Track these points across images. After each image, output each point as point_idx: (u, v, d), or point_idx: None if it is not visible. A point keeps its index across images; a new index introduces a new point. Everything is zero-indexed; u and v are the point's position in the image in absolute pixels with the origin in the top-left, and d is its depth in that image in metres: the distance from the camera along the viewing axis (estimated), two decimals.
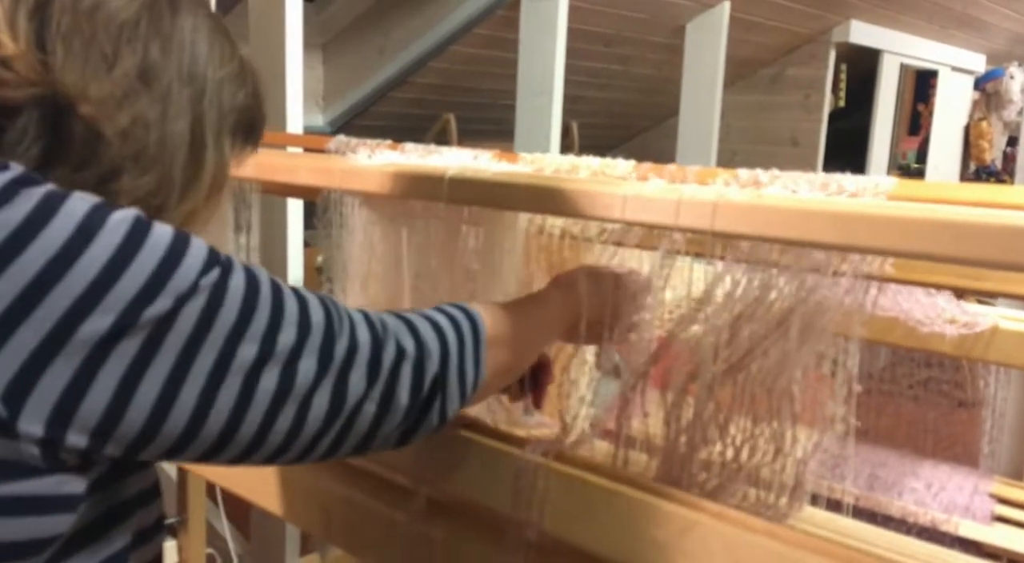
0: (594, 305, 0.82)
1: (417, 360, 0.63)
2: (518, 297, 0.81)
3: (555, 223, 0.92)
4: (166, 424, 0.51)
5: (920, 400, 1.21)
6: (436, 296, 0.96)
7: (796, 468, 0.70)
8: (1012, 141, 5.77)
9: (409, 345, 0.63)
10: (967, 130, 5.56)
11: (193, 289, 0.51)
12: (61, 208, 0.50)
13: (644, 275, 0.86)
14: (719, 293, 0.74)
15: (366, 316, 0.63)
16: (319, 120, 3.21)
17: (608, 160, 0.89)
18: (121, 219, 0.51)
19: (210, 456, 0.55)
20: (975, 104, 5.57)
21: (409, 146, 1.03)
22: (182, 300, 0.51)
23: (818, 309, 0.68)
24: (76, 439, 0.49)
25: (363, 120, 3.23)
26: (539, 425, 0.98)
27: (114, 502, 0.56)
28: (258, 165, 1.03)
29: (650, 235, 0.77)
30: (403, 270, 0.98)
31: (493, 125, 3.50)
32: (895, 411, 1.22)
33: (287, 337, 0.55)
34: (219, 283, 0.53)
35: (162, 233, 0.52)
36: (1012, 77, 5.39)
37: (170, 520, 1.63)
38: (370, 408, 0.60)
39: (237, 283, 0.54)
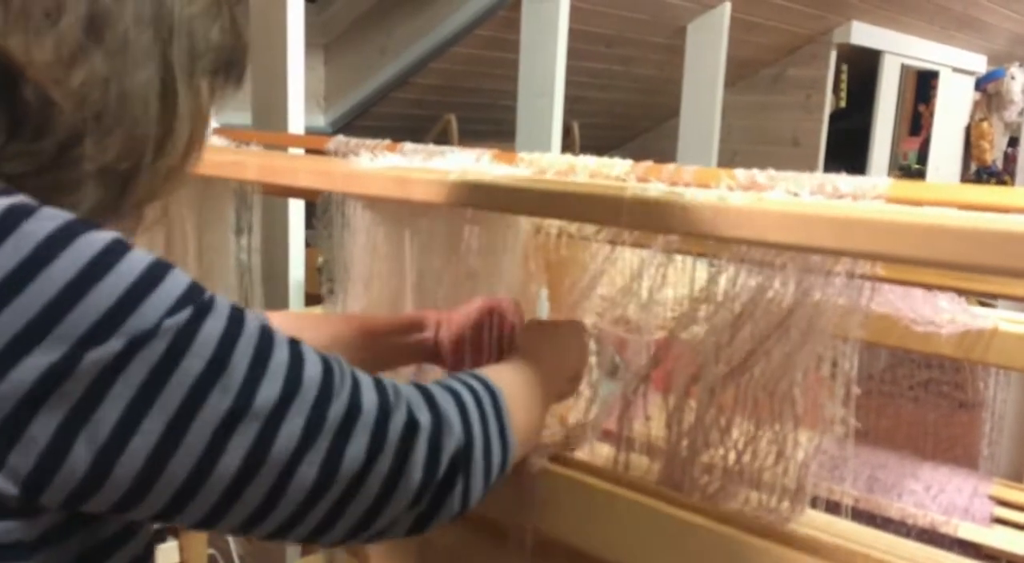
0: (578, 356, 0.81)
1: (433, 433, 0.55)
2: (508, 359, 0.73)
3: (553, 222, 0.93)
4: (108, 480, 0.45)
5: (920, 401, 1.21)
6: (438, 295, 0.96)
7: (798, 471, 0.70)
8: (1013, 142, 5.77)
9: (424, 416, 0.55)
10: (968, 131, 5.56)
11: (153, 331, 0.45)
12: (19, 228, 0.45)
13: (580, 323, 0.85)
14: (719, 292, 0.74)
15: (377, 380, 0.55)
16: (320, 120, 3.21)
17: (606, 160, 0.89)
18: (89, 242, 0.46)
19: (166, 517, 0.48)
20: (976, 105, 5.57)
21: (409, 147, 1.03)
22: (137, 343, 0.44)
23: (818, 309, 0.69)
24: (5, 485, 0.43)
25: (364, 120, 3.23)
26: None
27: (87, 546, 0.49)
28: (259, 167, 1.03)
29: (647, 234, 0.78)
30: (406, 270, 0.99)
31: (494, 126, 3.50)
32: (895, 412, 1.22)
33: (268, 392, 0.48)
34: (187, 326, 0.46)
35: (134, 262, 0.46)
36: (1013, 78, 5.38)
37: None
38: (372, 485, 0.52)
39: (212, 327, 0.47)
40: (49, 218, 0.46)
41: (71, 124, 0.50)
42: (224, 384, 0.47)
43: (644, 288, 0.83)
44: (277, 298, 2.04)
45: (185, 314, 0.47)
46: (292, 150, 1.45)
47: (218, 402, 0.47)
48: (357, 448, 0.51)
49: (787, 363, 0.69)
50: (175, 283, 0.48)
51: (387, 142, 1.06)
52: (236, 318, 0.49)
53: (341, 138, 1.11)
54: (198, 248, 1.25)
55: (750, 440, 0.71)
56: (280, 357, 0.50)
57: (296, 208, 2.05)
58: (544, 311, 1.05)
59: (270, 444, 0.48)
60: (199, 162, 0.59)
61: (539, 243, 0.94)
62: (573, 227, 0.90)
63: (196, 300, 0.48)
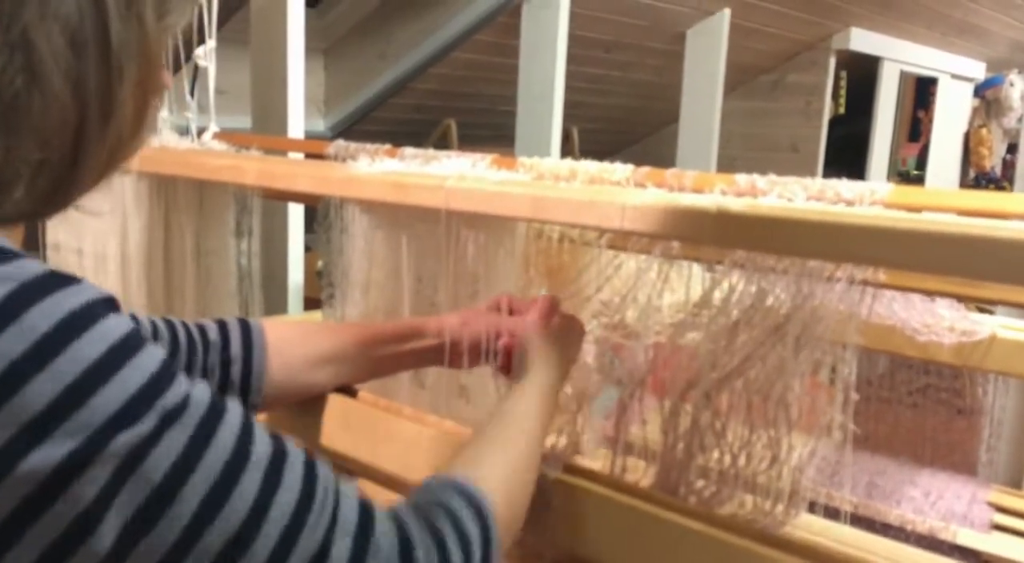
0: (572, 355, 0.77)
1: None
2: (504, 403, 0.67)
3: (554, 227, 0.93)
4: None
5: (919, 407, 1.21)
6: (436, 300, 0.96)
7: (792, 475, 0.70)
8: (1012, 148, 5.78)
9: None
10: (967, 137, 5.57)
11: (97, 448, 0.38)
12: None
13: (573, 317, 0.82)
14: (716, 298, 0.74)
15: (362, 521, 0.47)
16: (320, 125, 3.21)
17: (606, 165, 0.89)
18: (36, 321, 0.39)
19: None
20: (975, 111, 5.59)
21: (409, 151, 1.03)
22: (78, 460, 0.38)
23: (815, 315, 0.69)
24: None
25: (364, 125, 3.24)
26: None
27: None
28: (258, 172, 1.03)
29: (647, 239, 0.78)
30: (403, 274, 0.99)
31: (494, 131, 3.51)
32: (894, 418, 1.22)
33: (223, 529, 0.42)
34: (143, 443, 0.40)
35: (99, 336, 0.40)
36: (1012, 84, 5.40)
37: None
38: None
39: (173, 442, 0.41)
40: (4, 280, 0.39)
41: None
42: (172, 515, 0.41)
43: (643, 293, 0.83)
44: (276, 302, 2.04)
45: (143, 429, 0.40)
46: (292, 154, 1.45)
47: (163, 534, 0.41)
48: None
49: (782, 368, 0.69)
50: (143, 371, 0.41)
51: (387, 147, 1.06)
52: (208, 425, 0.43)
53: (341, 142, 1.11)
54: (197, 252, 1.25)
55: (745, 444, 0.71)
56: (248, 483, 0.43)
57: (296, 212, 2.06)
58: None
59: None
60: (156, 120, 0.50)
61: (540, 248, 0.94)
62: (574, 232, 0.90)
63: (160, 402, 0.41)
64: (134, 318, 0.62)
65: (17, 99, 0.42)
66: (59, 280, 0.41)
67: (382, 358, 0.83)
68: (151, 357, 0.42)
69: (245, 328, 0.77)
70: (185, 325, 0.73)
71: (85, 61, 0.43)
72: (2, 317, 0.38)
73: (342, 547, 0.45)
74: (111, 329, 0.41)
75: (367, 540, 0.47)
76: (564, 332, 0.77)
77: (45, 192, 0.45)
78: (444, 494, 0.55)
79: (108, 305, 0.42)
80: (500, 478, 0.58)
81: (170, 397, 0.42)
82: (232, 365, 0.73)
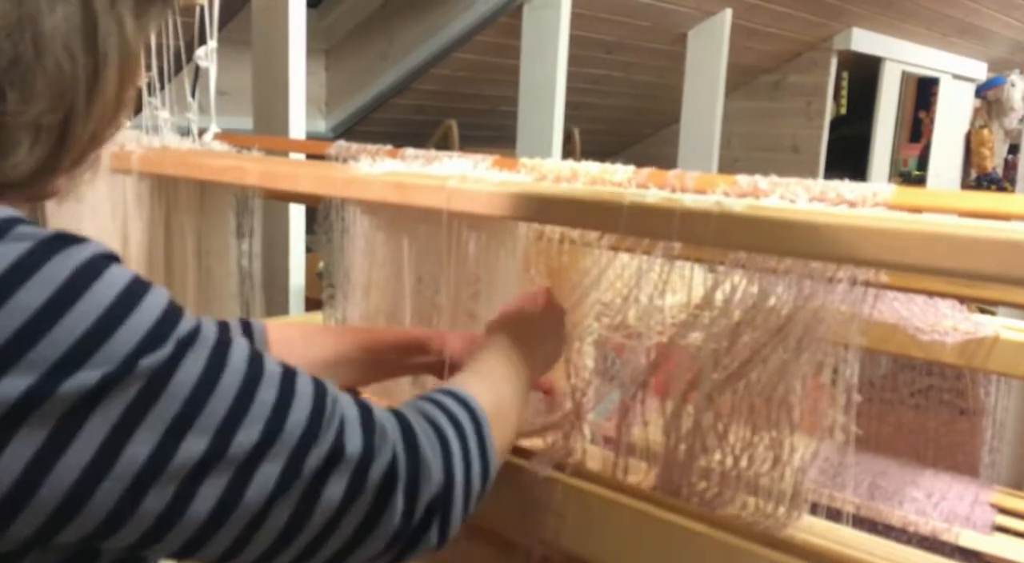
0: (551, 328, 0.79)
1: (410, 481, 0.54)
2: (474, 359, 0.71)
3: (555, 228, 0.92)
4: (76, 519, 0.44)
5: (921, 408, 1.21)
6: (438, 300, 0.96)
7: (794, 477, 0.70)
8: (1013, 149, 5.78)
9: (403, 468, 0.53)
10: (968, 137, 5.57)
11: (127, 369, 0.43)
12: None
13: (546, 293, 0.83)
14: (718, 299, 0.74)
15: (364, 415, 0.54)
16: (321, 126, 3.21)
17: (607, 166, 0.89)
18: (61, 263, 0.44)
19: (136, 550, 0.47)
20: (976, 111, 5.58)
21: (410, 152, 1.03)
22: (111, 380, 0.43)
23: (817, 316, 0.68)
24: None
25: (365, 126, 3.24)
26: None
27: None
28: (260, 173, 1.03)
29: (649, 240, 0.77)
30: (404, 275, 0.98)
31: (495, 132, 3.51)
32: (896, 419, 1.22)
33: (247, 436, 0.47)
34: (165, 365, 0.45)
35: (110, 282, 0.45)
36: (1013, 85, 5.39)
37: None
38: (346, 528, 0.51)
39: (192, 365, 0.46)
40: (22, 238, 0.44)
41: None
42: (199, 428, 0.45)
43: (645, 294, 0.83)
44: (277, 303, 2.04)
45: (164, 352, 0.45)
46: (293, 155, 1.45)
47: (192, 446, 0.45)
48: (334, 493, 0.50)
49: (784, 370, 0.68)
50: (153, 309, 0.46)
51: (388, 148, 1.06)
52: (220, 352, 0.48)
53: (342, 143, 1.11)
54: (198, 253, 1.25)
55: (747, 446, 0.71)
56: (265, 396, 0.48)
57: (297, 213, 2.06)
58: None
59: (242, 491, 0.47)
60: (132, 106, 0.55)
61: (541, 248, 0.94)
62: (575, 233, 0.90)
63: (177, 332, 0.46)
64: None
65: (27, 70, 0.47)
66: (69, 238, 0.45)
67: (382, 366, 0.84)
68: (159, 296, 0.47)
69: (247, 328, 0.78)
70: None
71: (77, 42, 0.48)
72: (23, 270, 0.43)
73: (354, 439, 0.51)
74: (119, 276, 0.45)
75: (372, 428, 0.53)
76: (540, 320, 0.79)
77: (41, 159, 0.49)
78: (433, 394, 0.62)
79: (112, 258, 0.47)
80: (478, 391, 0.63)
81: (183, 327, 0.46)
82: None
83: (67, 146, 0.50)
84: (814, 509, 0.83)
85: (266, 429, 0.48)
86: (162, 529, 0.46)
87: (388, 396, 0.91)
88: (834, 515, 0.96)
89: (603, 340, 0.90)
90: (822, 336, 0.68)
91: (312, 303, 2.09)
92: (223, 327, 0.75)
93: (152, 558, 0.52)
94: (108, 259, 0.46)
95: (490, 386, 0.66)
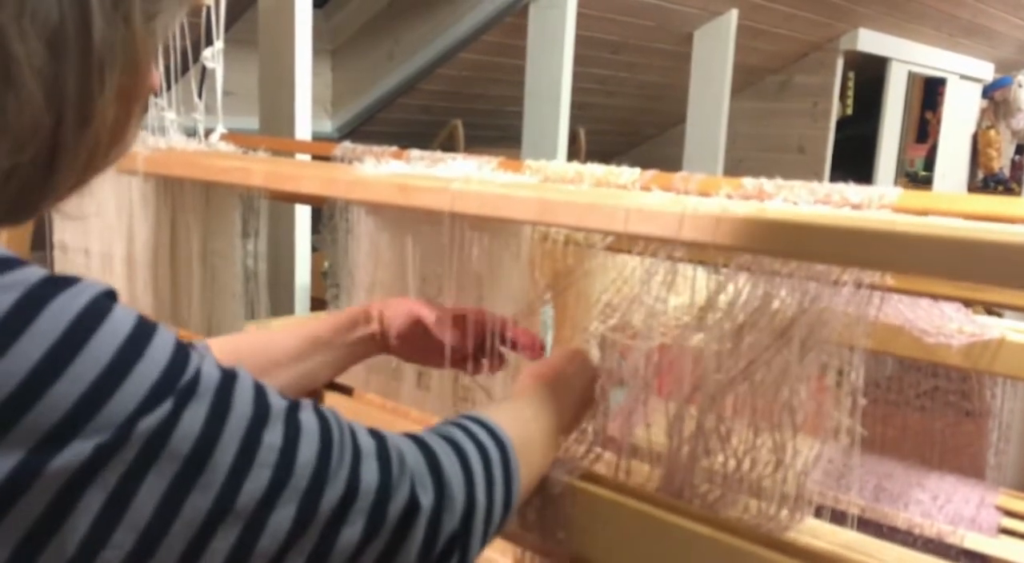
0: (580, 388, 0.77)
1: (434, 516, 0.50)
2: (506, 398, 0.70)
3: (559, 230, 0.92)
4: None
5: (927, 410, 1.20)
6: (441, 301, 0.96)
7: (798, 479, 0.69)
8: (1020, 149, 5.76)
9: (427, 496, 0.50)
10: (975, 138, 5.55)
11: (124, 435, 0.39)
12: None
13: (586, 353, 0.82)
14: (722, 301, 0.74)
15: (380, 445, 0.49)
16: (327, 126, 3.22)
17: (612, 168, 0.89)
18: (55, 314, 0.39)
19: None
20: (983, 112, 5.56)
21: (415, 153, 1.03)
22: (106, 450, 0.39)
23: (821, 319, 0.68)
24: None
25: (371, 126, 3.24)
26: None
27: None
28: (265, 174, 1.04)
29: (653, 242, 0.77)
30: (408, 276, 0.99)
31: (500, 132, 3.51)
32: (901, 421, 1.22)
33: (256, 484, 0.43)
34: (164, 424, 0.40)
35: (106, 338, 0.40)
36: (1020, 85, 5.38)
37: None
38: None
39: (193, 419, 0.41)
40: (6, 288, 0.38)
41: None
42: (204, 483, 0.41)
43: (650, 296, 0.83)
44: (283, 303, 2.04)
45: (164, 409, 0.41)
46: (299, 156, 1.45)
47: (197, 504, 0.41)
48: (351, 533, 0.46)
49: (788, 372, 0.68)
50: (159, 360, 0.41)
51: (393, 149, 1.06)
52: (224, 396, 0.43)
53: (348, 144, 1.11)
54: (203, 253, 1.25)
55: (750, 448, 0.71)
56: (272, 440, 0.44)
57: (302, 213, 2.06)
58: (549, 318, 1.05)
59: (254, 542, 0.43)
60: (140, 126, 0.48)
61: (545, 250, 0.94)
62: (580, 234, 0.90)
63: (177, 385, 0.41)
64: None
65: None
66: (60, 282, 0.40)
67: (334, 350, 0.82)
68: (164, 343, 0.42)
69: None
70: None
71: (64, 64, 0.41)
72: (14, 325, 0.38)
73: (370, 471, 0.47)
74: (120, 323, 0.41)
75: (390, 459, 0.49)
76: (574, 373, 0.77)
77: (17, 197, 0.43)
78: (456, 419, 0.58)
79: (110, 298, 0.42)
80: (506, 423, 0.60)
81: (187, 375, 0.42)
82: None
83: (52, 182, 0.44)
84: (819, 511, 0.83)
85: (275, 474, 0.44)
86: None
87: (390, 397, 0.91)
88: (839, 517, 0.96)
89: (608, 342, 0.90)
90: (826, 339, 0.68)
91: (317, 303, 2.09)
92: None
93: None
94: (109, 299, 0.42)
95: (519, 421, 0.63)
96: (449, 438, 0.55)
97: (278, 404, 0.46)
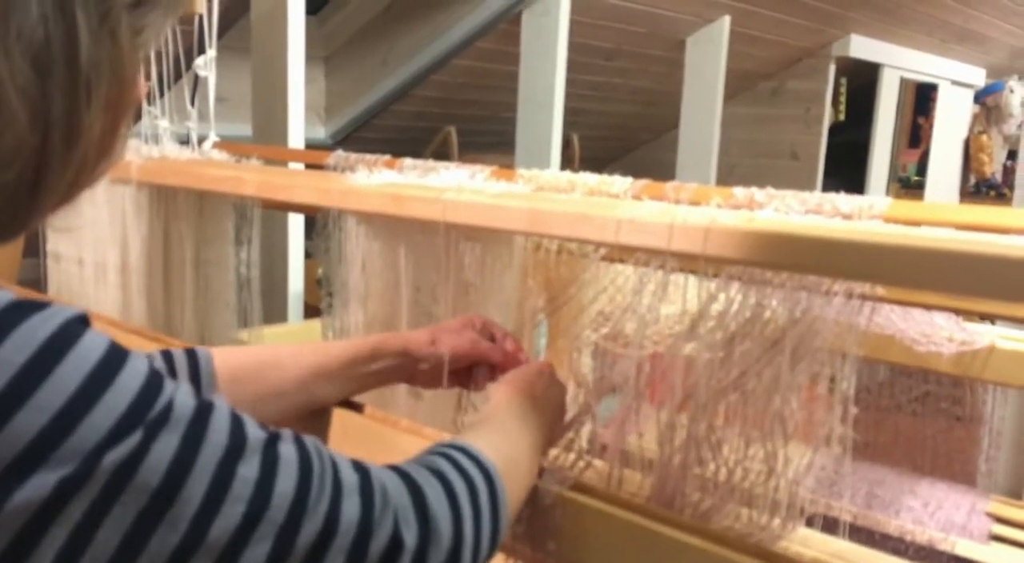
0: (554, 401, 0.75)
1: (418, 553, 0.48)
2: (486, 416, 0.68)
3: (552, 238, 0.93)
4: None
5: (918, 416, 1.21)
6: (435, 310, 0.97)
7: (789, 488, 0.70)
8: (1012, 154, 5.78)
9: (411, 533, 0.48)
10: (967, 143, 5.57)
11: (88, 470, 0.38)
12: None
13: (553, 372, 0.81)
14: (714, 310, 0.74)
15: (363, 479, 0.47)
16: (321, 132, 3.22)
17: (605, 177, 0.89)
18: (22, 341, 0.38)
19: None
20: (975, 117, 5.59)
21: (408, 162, 1.03)
22: (69, 484, 0.37)
23: (812, 329, 0.69)
24: None
25: (365, 132, 3.24)
26: None
27: None
28: (257, 183, 1.04)
29: (646, 251, 0.78)
30: (402, 285, 0.99)
31: (494, 138, 3.51)
32: (893, 427, 1.22)
33: (228, 519, 0.41)
34: (131, 458, 0.39)
35: (83, 355, 0.39)
36: (1012, 91, 5.40)
37: None
38: None
39: (162, 451, 0.40)
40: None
41: None
42: (172, 518, 0.40)
43: (642, 305, 0.83)
44: (276, 311, 2.04)
45: (132, 441, 0.39)
46: (292, 164, 1.45)
47: (165, 539, 0.40)
48: None
49: (779, 381, 0.69)
50: (129, 388, 0.40)
51: (386, 158, 1.07)
52: (198, 426, 0.42)
53: (341, 153, 1.12)
54: (196, 261, 1.25)
55: (741, 457, 0.71)
56: (247, 473, 0.42)
57: (296, 221, 2.06)
58: (543, 326, 1.05)
59: None
60: (127, 140, 0.47)
61: (539, 259, 0.94)
62: (573, 243, 0.91)
63: (148, 415, 0.40)
64: None
65: None
66: (29, 307, 0.39)
67: (342, 384, 0.78)
68: (134, 372, 0.41)
69: (193, 360, 0.72)
70: None
71: (50, 83, 0.40)
72: None
73: (351, 506, 0.46)
74: (90, 350, 0.40)
75: (373, 494, 0.47)
76: (544, 385, 0.75)
77: (2, 215, 0.42)
78: (437, 448, 0.56)
79: (82, 322, 0.41)
80: (490, 448, 0.58)
81: (159, 404, 0.41)
82: None
83: (38, 200, 0.43)
84: (812, 517, 0.83)
85: (249, 509, 0.42)
86: None
87: (384, 407, 0.91)
88: (831, 524, 0.96)
89: (601, 350, 0.90)
90: (818, 347, 0.68)
91: (312, 310, 2.09)
92: (167, 358, 0.70)
93: None
94: (80, 324, 0.40)
95: (503, 441, 0.62)
96: (435, 470, 0.53)
97: (256, 435, 0.44)
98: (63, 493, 0.38)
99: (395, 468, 0.52)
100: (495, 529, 0.54)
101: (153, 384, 0.41)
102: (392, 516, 0.47)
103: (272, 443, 0.45)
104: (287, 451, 0.45)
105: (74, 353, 0.39)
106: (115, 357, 0.41)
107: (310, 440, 0.48)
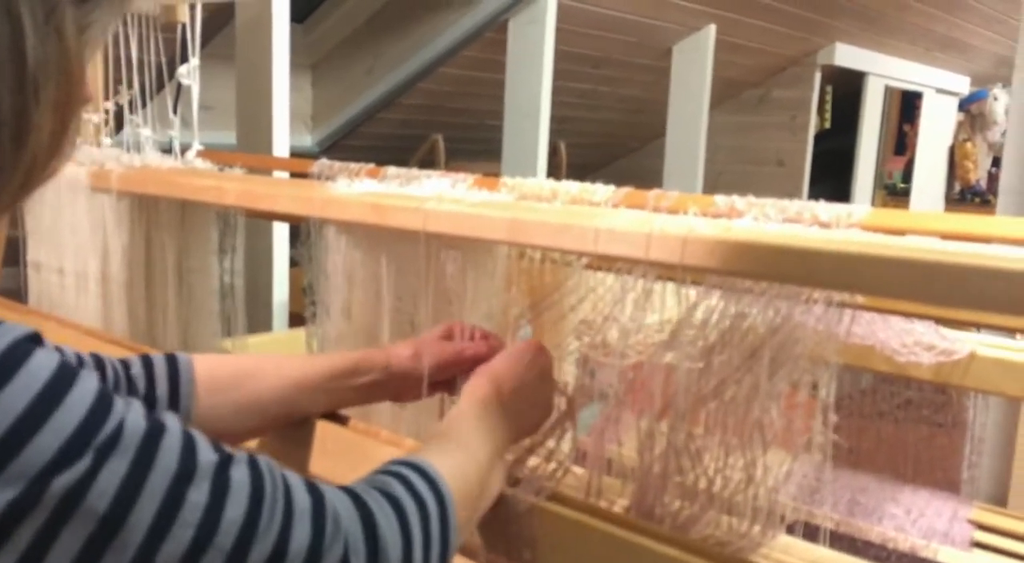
0: (537, 391, 0.74)
1: None
2: (447, 427, 0.66)
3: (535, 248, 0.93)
4: None
5: (900, 422, 1.21)
6: (417, 319, 0.96)
7: (769, 496, 0.70)
8: (996, 162, 5.82)
9: (358, 560, 0.47)
10: (952, 150, 5.61)
11: (36, 495, 0.38)
12: None
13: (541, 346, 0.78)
14: (695, 319, 0.74)
15: (316, 503, 0.47)
16: (307, 140, 3.21)
17: (587, 185, 0.89)
18: None
19: None
20: (960, 125, 5.63)
21: (390, 171, 1.03)
22: (18, 508, 0.38)
23: (792, 337, 0.69)
24: None
25: (352, 140, 3.24)
26: None
27: None
28: (239, 193, 1.03)
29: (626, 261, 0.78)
30: (383, 294, 0.99)
31: (481, 146, 3.52)
32: (875, 434, 1.23)
33: (176, 544, 0.41)
34: (79, 484, 0.39)
35: (32, 374, 0.39)
36: (996, 98, 5.45)
37: None
38: None
39: (110, 476, 0.40)
40: None
41: None
42: (120, 544, 0.40)
43: (624, 313, 0.83)
44: (260, 320, 2.03)
45: (81, 466, 0.39)
46: (277, 173, 1.45)
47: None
48: None
49: (759, 390, 0.69)
50: (78, 410, 0.40)
51: (369, 167, 1.06)
52: (148, 450, 0.42)
53: (325, 162, 1.11)
54: (179, 270, 1.25)
55: (721, 466, 0.71)
56: (197, 498, 0.42)
57: (280, 230, 2.06)
58: (527, 334, 1.05)
59: None
60: (77, 138, 0.47)
61: (522, 267, 0.94)
62: (556, 253, 0.91)
63: (97, 437, 0.40)
64: (60, 352, 0.57)
65: None
66: None
67: (323, 398, 0.78)
68: (84, 393, 0.41)
69: (173, 366, 0.72)
70: (111, 361, 0.68)
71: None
72: None
73: (301, 532, 0.45)
74: (39, 369, 0.39)
75: (324, 519, 0.47)
76: (529, 377, 0.74)
77: None
78: (394, 466, 0.55)
79: (32, 342, 0.41)
80: (447, 467, 0.57)
81: (108, 427, 0.41)
82: (156, 406, 0.68)
83: None
84: (794, 526, 0.83)
85: (197, 534, 0.42)
86: None
87: (367, 416, 0.91)
88: (813, 532, 0.96)
89: (584, 359, 0.90)
90: (798, 355, 0.69)
91: (298, 319, 2.08)
92: (147, 364, 0.70)
93: None
94: (31, 343, 0.40)
95: (460, 457, 0.61)
96: (388, 493, 0.52)
97: (207, 459, 0.44)
98: (12, 515, 0.37)
99: (349, 490, 0.51)
100: (444, 553, 0.54)
101: (103, 404, 0.41)
102: (343, 542, 0.47)
103: (224, 467, 0.45)
104: (239, 474, 0.45)
105: (22, 372, 0.39)
106: (64, 376, 0.40)
107: (264, 461, 0.48)
